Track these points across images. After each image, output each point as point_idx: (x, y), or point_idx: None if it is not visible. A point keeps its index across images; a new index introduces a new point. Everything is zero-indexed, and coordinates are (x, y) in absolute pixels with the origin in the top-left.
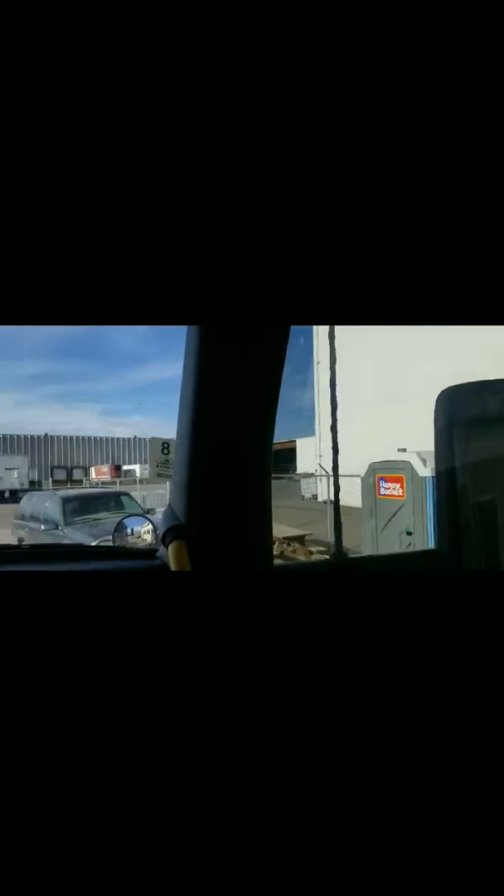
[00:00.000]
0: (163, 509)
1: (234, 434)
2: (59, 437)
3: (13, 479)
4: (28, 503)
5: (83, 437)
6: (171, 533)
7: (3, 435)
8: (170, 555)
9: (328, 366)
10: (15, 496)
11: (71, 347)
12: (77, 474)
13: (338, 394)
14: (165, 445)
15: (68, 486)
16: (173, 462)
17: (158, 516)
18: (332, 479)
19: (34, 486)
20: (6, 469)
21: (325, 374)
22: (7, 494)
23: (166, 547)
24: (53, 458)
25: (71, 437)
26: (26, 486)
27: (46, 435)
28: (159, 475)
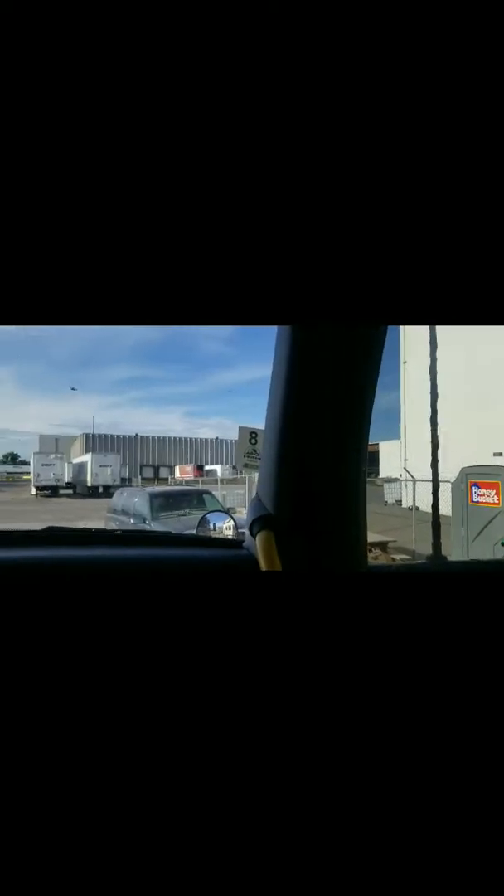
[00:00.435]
0: (242, 508)
1: (327, 428)
2: (147, 438)
3: (107, 476)
4: (119, 498)
5: (169, 438)
6: (258, 523)
7: (99, 434)
8: (257, 545)
9: (416, 366)
10: (108, 491)
11: (158, 353)
12: (163, 472)
13: (425, 396)
14: (253, 435)
15: (155, 483)
16: (261, 452)
17: (239, 515)
18: (417, 484)
19: (125, 482)
20: (101, 466)
21: (413, 374)
22: (101, 490)
23: (254, 537)
24: (142, 457)
25: (158, 438)
26: (118, 482)
27: (136, 435)
28: (246, 465)
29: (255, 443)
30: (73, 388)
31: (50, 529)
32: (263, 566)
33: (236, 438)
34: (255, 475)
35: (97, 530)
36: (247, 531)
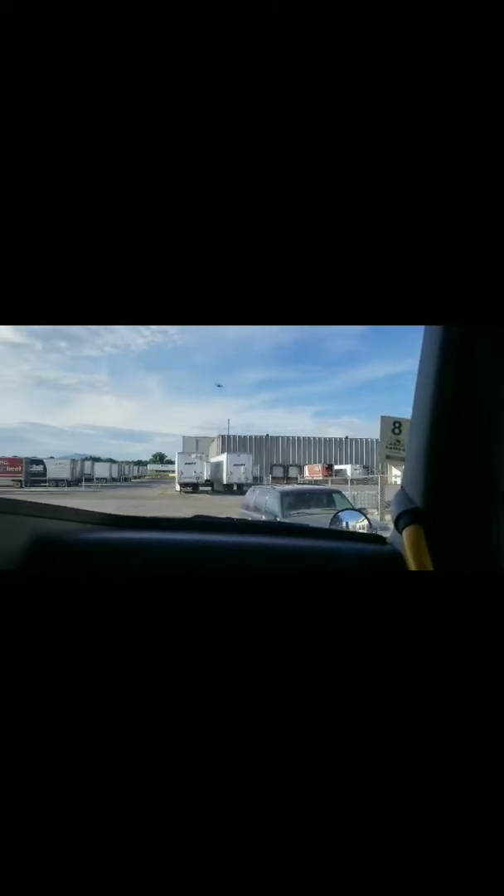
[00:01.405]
0: (373, 509)
1: (481, 419)
2: (277, 438)
3: (240, 474)
4: (252, 496)
5: (298, 438)
6: (406, 517)
7: (233, 435)
8: (404, 540)
9: None
10: (241, 489)
11: (290, 355)
12: (292, 472)
13: None
14: (397, 424)
15: (284, 482)
16: (406, 443)
17: (371, 516)
18: None
19: (257, 481)
20: (235, 465)
21: None
22: (235, 487)
23: (400, 532)
24: (272, 457)
25: (288, 438)
26: (250, 480)
27: (267, 436)
28: (388, 457)
29: (399, 432)
30: (218, 385)
31: (197, 517)
32: (412, 565)
33: (366, 437)
34: (387, 477)
35: (238, 519)
36: (392, 526)
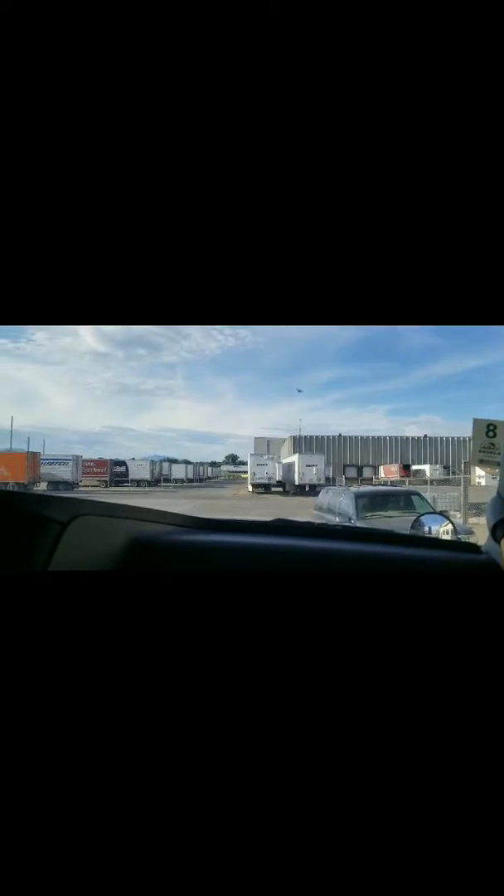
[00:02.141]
0: (455, 511)
1: None
2: (350, 437)
3: (312, 475)
4: (324, 497)
5: (373, 437)
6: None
7: (305, 436)
8: (503, 551)
9: None
10: (314, 490)
11: (360, 352)
12: (367, 472)
13: None
14: (491, 428)
15: (359, 483)
16: (502, 447)
17: (456, 519)
18: None
19: (329, 481)
20: (307, 466)
21: None
22: (307, 488)
23: (497, 542)
24: (345, 457)
25: (361, 437)
26: (322, 481)
27: (340, 435)
28: (482, 461)
29: (494, 436)
30: (299, 391)
31: (278, 521)
32: None
33: (446, 436)
34: (470, 478)
35: (319, 524)
36: (488, 534)
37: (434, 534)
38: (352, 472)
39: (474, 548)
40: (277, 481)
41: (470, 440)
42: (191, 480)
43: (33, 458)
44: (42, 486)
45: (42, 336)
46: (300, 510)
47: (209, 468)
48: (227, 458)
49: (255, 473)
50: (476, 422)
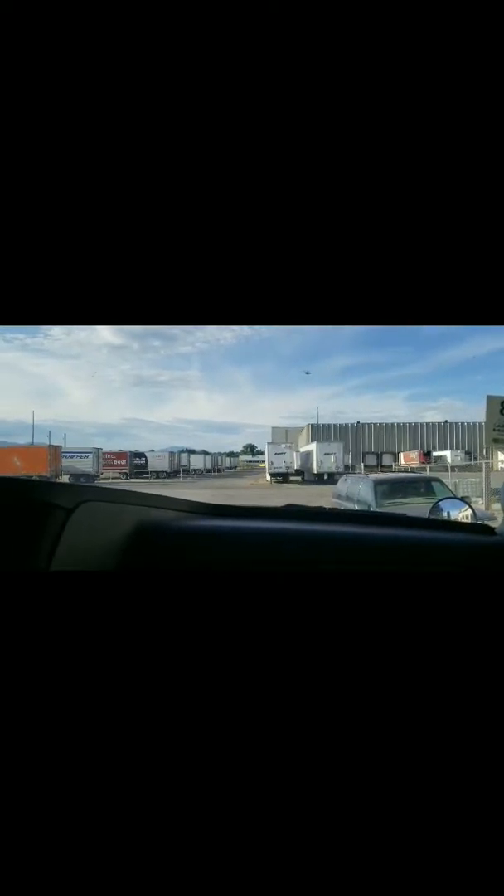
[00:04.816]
0: (478, 498)
1: None
2: (369, 424)
3: (331, 463)
4: (343, 485)
5: (391, 424)
6: None
7: (322, 424)
8: None
9: None
10: (332, 478)
11: (378, 338)
12: (386, 459)
13: None
14: None
15: (378, 470)
16: None
17: (478, 505)
18: None
19: (348, 469)
20: (325, 454)
21: None
22: (326, 476)
23: None
24: (364, 444)
25: (380, 424)
26: (341, 469)
27: (358, 423)
28: (496, 441)
29: None
30: (307, 373)
31: (289, 506)
32: None
33: (468, 421)
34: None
35: (330, 509)
36: (503, 516)
37: (453, 518)
38: (371, 460)
39: (489, 530)
40: (296, 470)
41: None
42: (209, 471)
43: (55, 452)
44: (64, 479)
45: (59, 331)
46: (319, 499)
47: (227, 458)
48: (244, 447)
49: (272, 463)
50: (490, 399)
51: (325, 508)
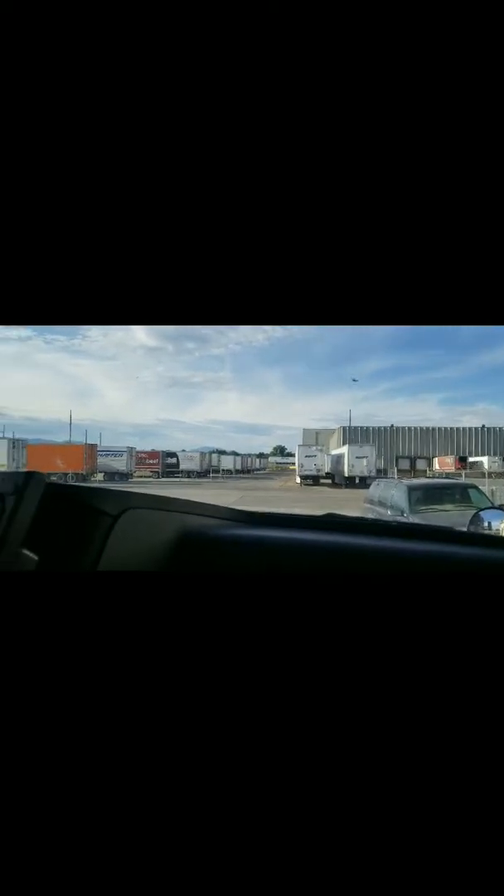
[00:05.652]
0: None
1: None
2: (403, 428)
3: (363, 467)
4: (376, 489)
5: (426, 428)
6: None
7: (355, 427)
8: None
9: None
10: (364, 482)
11: (411, 340)
12: (420, 464)
13: None
14: None
15: (412, 475)
16: None
17: None
18: None
19: (380, 473)
20: (357, 458)
21: None
22: (357, 480)
23: None
24: (397, 448)
25: (414, 428)
26: (373, 473)
27: (392, 426)
28: None
29: None
30: (354, 380)
31: (330, 516)
32: None
33: None
34: None
35: (374, 519)
36: None
37: (494, 529)
38: (405, 464)
39: None
40: (326, 473)
41: None
42: (238, 471)
43: (91, 450)
44: (98, 477)
45: (96, 332)
46: (350, 503)
47: (257, 460)
48: (274, 449)
49: (303, 465)
50: None
51: (365, 519)
